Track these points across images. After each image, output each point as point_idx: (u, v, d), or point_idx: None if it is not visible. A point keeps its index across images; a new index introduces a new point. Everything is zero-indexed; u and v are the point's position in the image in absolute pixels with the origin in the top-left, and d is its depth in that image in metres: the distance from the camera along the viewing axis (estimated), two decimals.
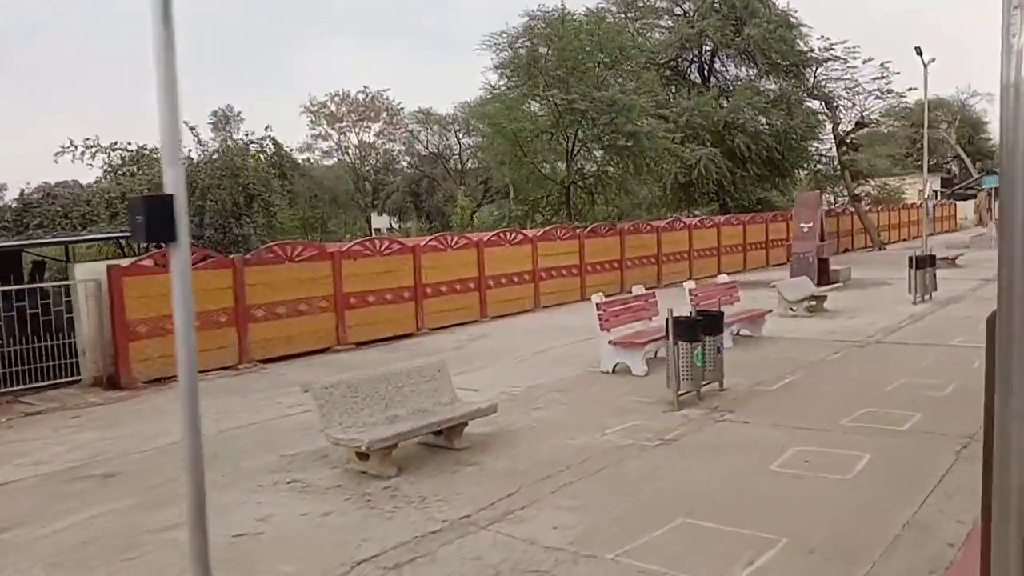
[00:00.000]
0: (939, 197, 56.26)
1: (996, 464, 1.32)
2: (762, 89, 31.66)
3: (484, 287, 18.56)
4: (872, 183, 46.94)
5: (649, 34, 33.61)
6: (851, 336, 13.04)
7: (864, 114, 35.55)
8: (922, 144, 75.82)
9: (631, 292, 13.27)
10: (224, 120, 62.90)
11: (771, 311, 13.85)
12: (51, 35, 67.58)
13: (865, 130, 36.08)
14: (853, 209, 36.63)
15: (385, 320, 15.83)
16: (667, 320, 8.75)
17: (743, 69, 35.49)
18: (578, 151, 22.52)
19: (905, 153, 75.57)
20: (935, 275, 17.38)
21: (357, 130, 55.65)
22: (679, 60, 34.19)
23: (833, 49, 34.97)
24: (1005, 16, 1.08)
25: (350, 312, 15.15)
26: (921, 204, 22.73)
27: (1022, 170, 1.11)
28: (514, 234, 20.01)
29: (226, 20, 72.68)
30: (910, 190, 56.55)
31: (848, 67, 35.25)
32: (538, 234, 20.64)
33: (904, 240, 44.20)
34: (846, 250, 36.85)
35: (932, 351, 11.69)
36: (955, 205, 56.02)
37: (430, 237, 19.08)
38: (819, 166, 35.62)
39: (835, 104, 35.91)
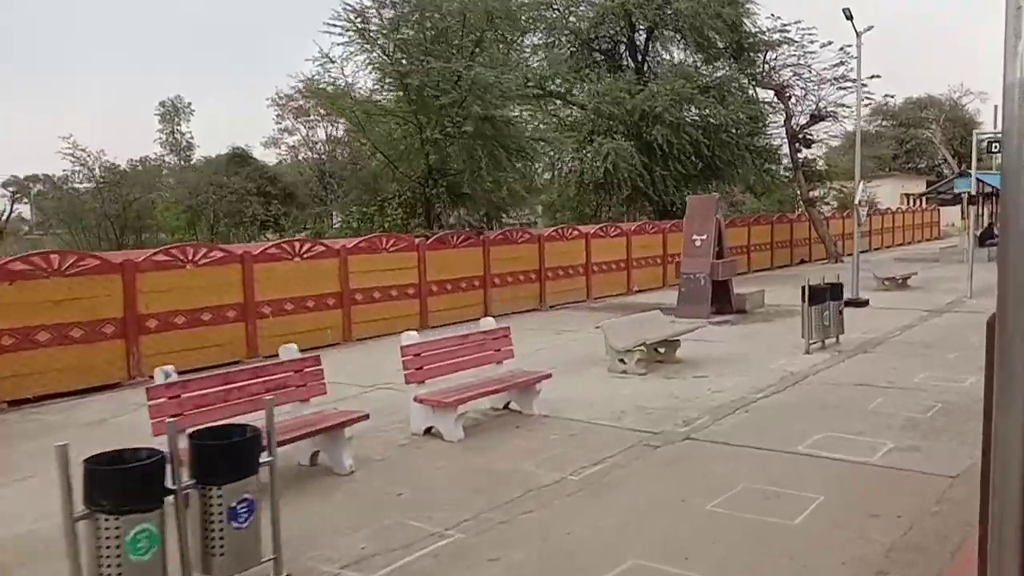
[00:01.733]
0: (920, 202, 51.54)
1: (995, 470, 1.27)
2: (695, 75, 27.00)
3: (253, 316, 14.00)
4: (837, 186, 42.31)
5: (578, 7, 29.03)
6: (661, 421, 8.41)
7: (820, 105, 30.90)
8: (912, 145, 70.70)
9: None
10: (173, 111, 58.60)
11: (551, 374, 9.19)
12: None
13: (822, 124, 31.39)
14: (807, 215, 31.94)
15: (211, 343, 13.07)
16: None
17: (685, 53, 30.88)
18: (433, 140, 17.98)
19: (892, 155, 71.03)
20: (841, 311, 12.78)
21: (325, 124, 51.60)
22: (604, 39, 29.56)
23: (786, 30, 30.38)
24: (1009, 17, 1.06)
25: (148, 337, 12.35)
26: (853, 210, 17.98)
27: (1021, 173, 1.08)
28: (306, 246, 15.35)
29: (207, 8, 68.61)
30: (886, 193, 51.92)
31: (806, 52, 30.70)
32: (349, 245, 16.03)
33: (877, 249, 39.58)
34: (802, 261, 32.23)
35: (760, 462, 7.07)
36: (939, 211, 51.24)
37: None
38: (769, 165, 30.91)
39: (788, 94, 31.28)
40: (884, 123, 75.16)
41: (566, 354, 12.48)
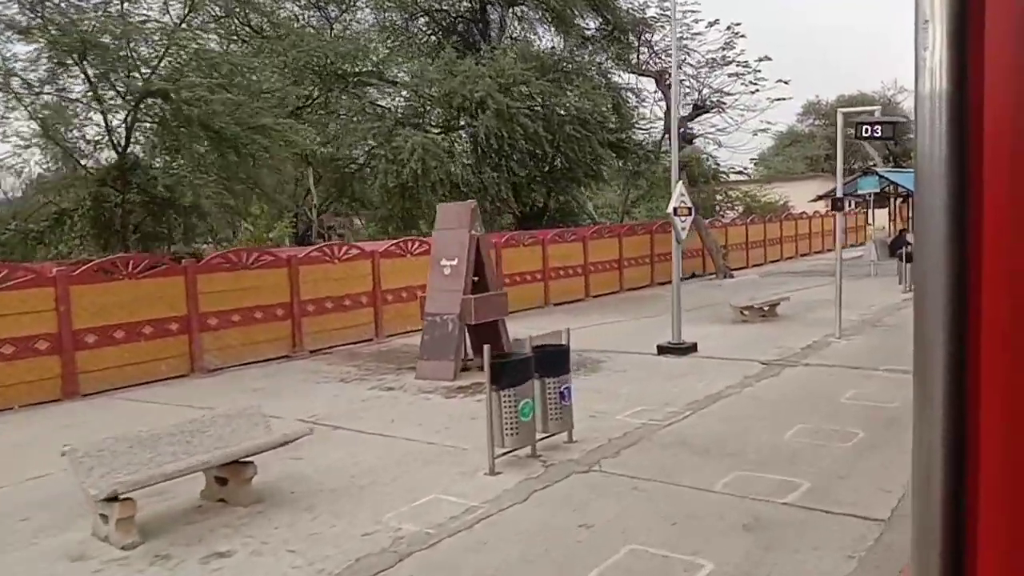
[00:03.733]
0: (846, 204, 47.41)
1: (915, 482, 1.19)
2: (545, 56, 22.04)
3: None
4: (740, 190, 37.86)
5: None
6: None
7: (703, 93, 26.21)
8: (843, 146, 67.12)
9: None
10: None
11: None
12: None
13: (707, 115, 26.67)
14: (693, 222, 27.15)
15: None
16: None
17: (552, 35, 26.00)
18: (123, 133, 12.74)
19: (824, 155, 67.11)
20: (565, 392, 7.74)
21: None
22: (446, 13, 24.52)
23: (665, 10, 25.70)
24: (918, 31, 1.07)
25: None
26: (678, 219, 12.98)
27: (935, 180, 1.05)
28: None
29: None
30: (800, 196, 47.77)
31: (691, 33, 26.04)
32: None
33: (790, 258, 35.15)
34: (693, 275, 27.48)
35: None
36: (867, 213, 47.17)
37: None
38: (644, 164, 26.08)
39: (668, 81, 26.51)
40: (816, 122, 71.74)
41: None
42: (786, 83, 25.29)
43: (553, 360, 7.50)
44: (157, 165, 13.72)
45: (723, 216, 36.70)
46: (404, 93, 20.11)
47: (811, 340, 13.09)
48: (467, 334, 12.27)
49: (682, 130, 26.20)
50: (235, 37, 23.44)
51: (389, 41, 23.95)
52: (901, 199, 31.48)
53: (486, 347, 7.03)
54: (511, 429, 6.94)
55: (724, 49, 25.85)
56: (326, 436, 8.47)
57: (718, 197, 41.70)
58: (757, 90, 24.69)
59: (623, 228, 25.64)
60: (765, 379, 10.35)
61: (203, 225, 21.90)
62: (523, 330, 16.65)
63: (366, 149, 19.30)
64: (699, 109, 26.35)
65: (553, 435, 7.58)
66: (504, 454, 7.06)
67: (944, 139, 1.06)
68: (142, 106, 12.76)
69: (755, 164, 31.58)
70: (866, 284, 22.16)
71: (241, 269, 14.47)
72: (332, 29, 23.99)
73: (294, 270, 15.24)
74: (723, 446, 7.43)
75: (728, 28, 25.65)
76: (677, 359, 12.08)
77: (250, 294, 14.54)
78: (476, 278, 11.68)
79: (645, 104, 26.31)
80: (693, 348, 12.56)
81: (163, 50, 13.61)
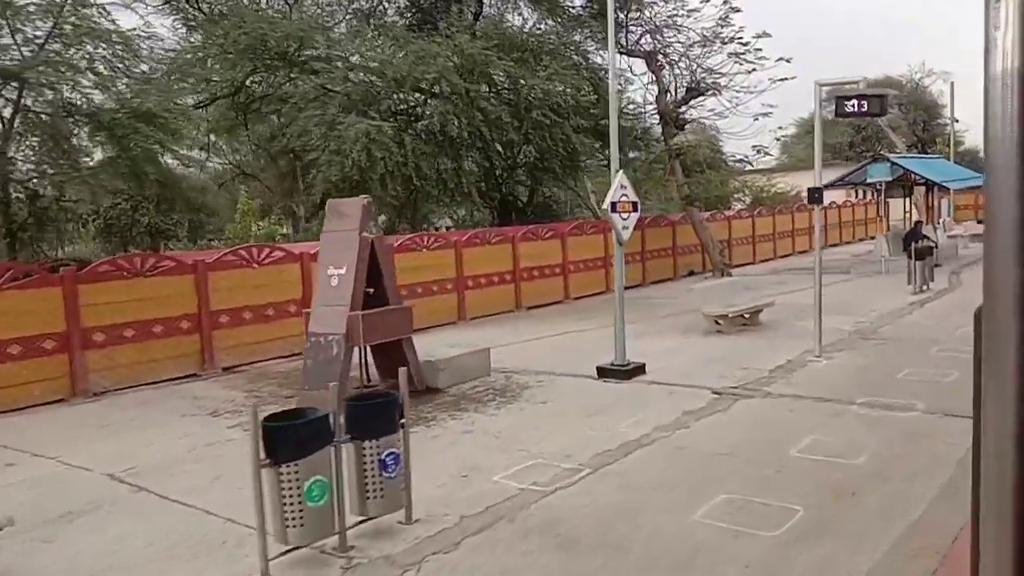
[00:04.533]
0: (864, 193, 44.60)
1: (986, 462, 1.22)
2: (515, 35, 19.93)
3: None
4: (744, 180, 35.42)
5: None
6: None
7: (698, 75, 23.87)
8: (867, 132, 63.91)
9: None
10: None
11: None
12: None
13: (702, 98, 24.31)
14: (687, 215, 24.88)
15: None
16: None
17: (534, 15, 23.86)
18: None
19: (848, 142, 64.28)
20: (391, 461, 5.73)
21: None
22: None
23: None
24: (987, 10, 1.06)
25: None
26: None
27: (1007, 165, 1.06)
28: None
29: None
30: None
31: (687, 9, 23.76)
32: None
33: (803, 252, 32.69)
34: (691, 273, 25.28)
35: None
36: (887, 204, 44.28)
37: None
38: (633, 152, 23.85)
39: (660, 63, 24.27)
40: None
41: None
42: (788, 61, 22.86)
43: (374, 415, 5.51)
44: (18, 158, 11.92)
45: (729, 207, 34.39)
46: (354, 76, 18.14)
47: (786, 359, 10.94)
48: (371, 355, 10.36)
49: (674, 115, 24.07)
50: (190, 23, 21.77)
51: (354, 21, 22.06)
52: (927, 188, 28.81)
53: (255, 407, 5.07)
54: (294, 519, 4.98)
55: (720, 25, 23.51)
56: (119, 501, 6.60)
57: (722, 187, 39.31)
58: (754, 69, 22.32)
59: (607, 223, 23.49)
60: (708, 417, 8.27)
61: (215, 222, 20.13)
62: (462, 340, 14.75)
63: (309, 140, 17.37)
64: (692, 92, 24.03)
65: (373, 519, 5.60)
66: (288, 552, 5.10)
67: (1017, 122, 1.03)
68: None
69: (764, 152, 29.10)
70: (873, 284, 19.84)
71: (135, 277, 12.68)
72: (291, 12, 22.17)
73: (202, 276, 13.42)
74: (604, 533, 5.40)
75: (724, 2, 23.33)
76: (616, 385, 10.03)
77: (148, 305, 12.73)
78: (371, 290, 9.72)
79: (636, 88, 24.00)
80: (640, 370, 10.50)
81: (50, 25, 11.77)
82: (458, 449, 7.59)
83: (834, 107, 10.27)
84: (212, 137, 24.15)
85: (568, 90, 19.37)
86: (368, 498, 5.46)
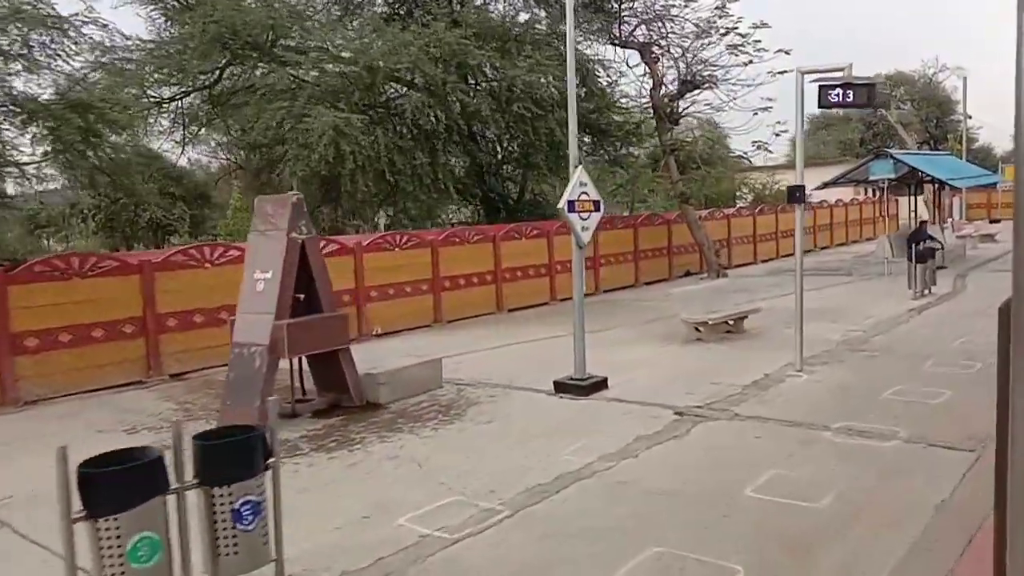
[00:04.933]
0: (873, 191, 43.33)
1: (1013, 453, 1.20)
2: (483, 22, 18.95)
3: None
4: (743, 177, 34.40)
5: None
6: None
7: (694, 68, 22.85)
8: (879, 128, 62.52)
9: None
10: None
11: None
12: None
13: (698, 92, 23.29)
14: (682, 213, 23.86)
15: None
16: None
17: (524, 5, 22.87)
18: None
19: (860, 138, 63.06)
20: (236, 506, 4.86)
21: None
22: None
23: None
24: (1021, 7, 1.09)
25: None
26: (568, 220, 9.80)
27: None
28: None
29: None
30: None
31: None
32: None
33: (808, 251, 31.52)
34: (688, 273, 24.31)
35: None
36: (896, 202, 43.01)
37: None
38: (625, 147, 22.86)
39: (655, 55, 23.26)
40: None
41: None
42: (787, 53, 21.81)
43: (226, 456, 4.63)
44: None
45: (733, 205, 33.35)
46: (325, 67, 17.27)
47: (763, 372, 9.99)
48: (308, 366, 9.51)
49: (668, 110, 23.08)
50: (168, 12, 20.97)
51: (336, 9, 21.17)
52: (936, 186, 27.53)
53: (62, 449, 4.20)
54: None
55: (717, 15, 22.46)
56: None
57: (717, 183, 38.20)
58: (751, 61, 21.30)
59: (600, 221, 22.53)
60: (662, 444, 7.36)
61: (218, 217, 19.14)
62: (428, 346, 13.88)
63: (277, 133, 16.52)
64: (688, 85, 23.04)
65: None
66: None
67: None
68: None
69: (763, 148, 28.03)
70: (873, 287, 18.83)
71: (74, 278, 11.89)
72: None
73: (148, 277, 12.62)
74: None
75: None
76: (572, 402, 9.14)
77: (88, 308, 11.94)
78: (300, 296, 8.86)
79: (630, 81, 23.02)
80: (601, 385, 9.58)
81: None
82: (372, 481, 6.72)
83: (817, 97, 9.30)
84: (201, 129, 23.36)
85: (553, 82, 18.43)
86: (220, 555, 4.57)
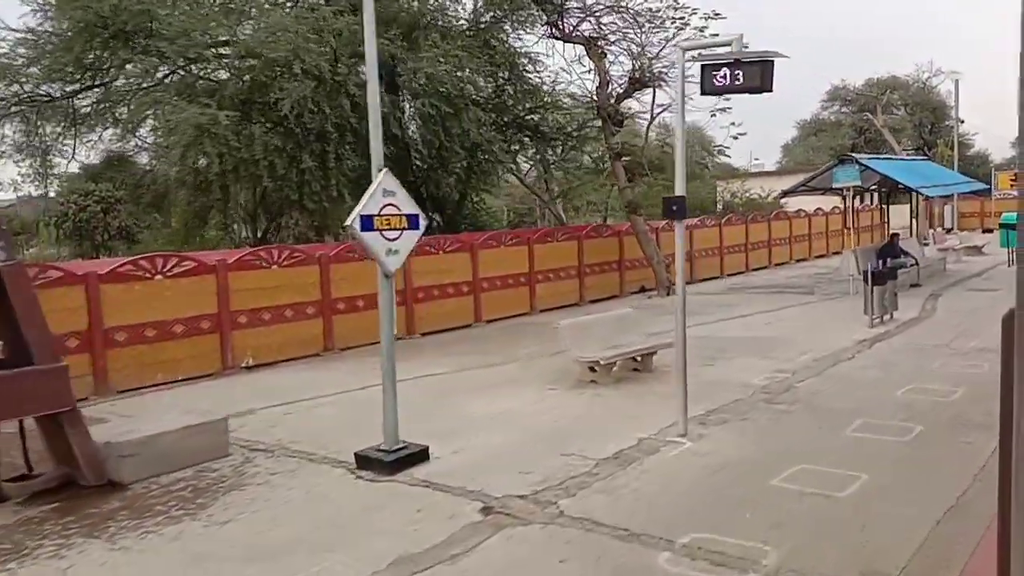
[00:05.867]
0: (861, 198, 40.92)
1: (1015, 464, 1.22)
2: (391, 7, 16.67)
3: None
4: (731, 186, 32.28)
5: None
6: None
7: (642, 64, 20.58)
8: (871, 133, 60.16)
9: None
10: None
11: None
12: None
13: (647, 91, 21.02)
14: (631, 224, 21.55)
15: None
16: None
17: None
18: None
19: (851, 144, 60.86)
20: None
21: None
22: None
23: None
24: None
25: None
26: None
27: None
28: None
29: None
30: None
31: None
32: None
33: (782, 264, 29.29)
34: (643, 289, 22.02)
35: None
36: (886, 210, 40.56)
37: None
38: (558, 154, 20.56)
39: (602, 50, 21.00)
40: (844, 109, 65.32)
41: None
42: (745, 47, 19.54)
43: None
44: None
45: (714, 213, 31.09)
46: (194, 55, 15.03)
47: (638, 437, 7.69)
48: (42, 434, 7.25)
49: (613, 110, 20.85)
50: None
51: None
52: (925, 197, 25.02)
53: None
54: None
55: (671, 6, 20.21)
56: None
57: (703, 192, 35.96)
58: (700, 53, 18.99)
59: (534, 233, 20.30)
60: (427, 569, 5.08)
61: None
62: (290, 383, 11.65)
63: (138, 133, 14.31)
64: (636, 84, 20.79)
65: None
66: None
67: None
68: None
69: (721, 152, 25.75)
70: (831, 309, 16.55)
71: None
72: None
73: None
74: None
75: None
76: (367, 485, 6.85)
77: None
78: None
79: (573, 80, 20.81)
80: (417, 458, 7.28)
81: None
82: None
83: (700, 80, 7.06)
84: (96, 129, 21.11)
85: (469, 75, 16.19)
86: None
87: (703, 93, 7.14)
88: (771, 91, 6.85)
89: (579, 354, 10.39)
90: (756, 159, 59.09)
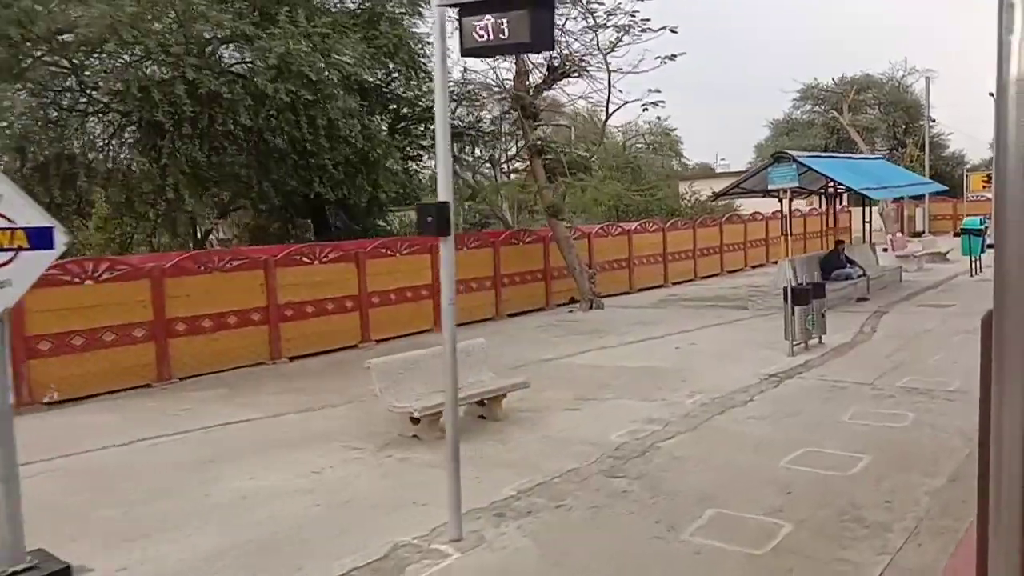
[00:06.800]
0: (823, 201, 38.93)
1: (993, 468, 1.27)
2: None
3: None
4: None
5: None
6: None
7: (563, 52, 18.32)
8: (843, 132, 58.08)
9: None
10: None
11: None
12: None
13: (566, 80, 18.79)
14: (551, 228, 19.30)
15: None
16: None
17: None
18: None
19: (823, 144, 58.99)
20: None
21: None
22: None
23: None
24: (1003, 12, 1.06)
25: None
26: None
27: (1017, 169, 1.08)
28: None
29: None
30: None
31: None
32: None
33: (736, 271, 27.22)
34: (572, 300, 19.78)
35: None
36: (849, 213, 38.50)
37: None
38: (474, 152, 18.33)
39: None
40: (815, 108, 63.49)
41: None
42: (674, 31, 17.39)
43: None
44: None
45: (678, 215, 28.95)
46: None
47: (395, 542, 5.44)
48: None
49: (527, 102, 18.63)
50: None
51: None
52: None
53: None
54: None
55: None
56: None
57: (661, 193, 33.81)
58: (619, 39, 16.81)
59: (436, 240, 17.99)
60: None
61: None
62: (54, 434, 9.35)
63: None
64: (556, 73, 18.57)
65: None
66: None
67: None
68: None
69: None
70: (755, 329, 14.41)
71: None
72: None
73: None
74: None
75: None
76: None
77: None
78: None
79: (484, 69, 18.52)
80: None
81: None
82: None
83: (459, 38, 4.84)
84: None
85: (338, 59, 13.90)
86: None
87: (463, 53, 4.91)
88: (550, 48, 4.64)
89: (393, 402, 8.13)
90: (722, 159, 57.21)
